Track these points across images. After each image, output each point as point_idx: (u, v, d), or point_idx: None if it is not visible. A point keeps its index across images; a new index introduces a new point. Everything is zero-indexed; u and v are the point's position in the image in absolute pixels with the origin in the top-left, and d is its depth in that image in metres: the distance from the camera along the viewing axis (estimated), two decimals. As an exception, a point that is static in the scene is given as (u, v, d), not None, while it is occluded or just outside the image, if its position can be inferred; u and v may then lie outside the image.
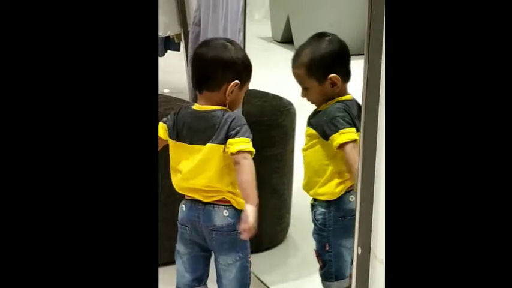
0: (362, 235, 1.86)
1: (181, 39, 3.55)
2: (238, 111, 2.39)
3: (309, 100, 2.24)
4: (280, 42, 5.90)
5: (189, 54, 2.99)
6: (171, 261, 2.25)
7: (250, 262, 2.18)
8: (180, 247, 2.18)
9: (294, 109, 2.81)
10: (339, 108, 2.15)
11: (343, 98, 2.19)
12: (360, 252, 1.86)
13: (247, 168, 2.02)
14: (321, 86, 2.18)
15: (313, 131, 2.21)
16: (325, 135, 2.17)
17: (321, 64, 2.17)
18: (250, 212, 1.98)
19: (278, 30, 5.92)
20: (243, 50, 2.17)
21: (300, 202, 2.44)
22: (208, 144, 2.05)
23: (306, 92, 2.22)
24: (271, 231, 2.82)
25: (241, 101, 2.17)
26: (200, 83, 2.11)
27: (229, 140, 2.03)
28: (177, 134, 2.11)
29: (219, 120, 2.05)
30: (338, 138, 2.12)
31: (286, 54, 5.93)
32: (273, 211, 2.79)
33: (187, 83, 3.19)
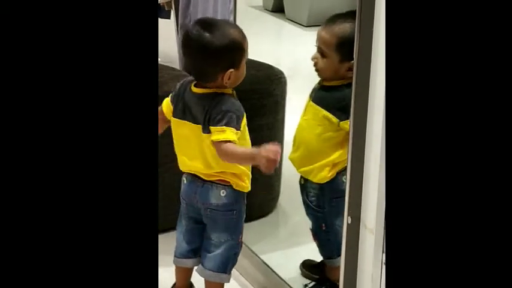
0: (352, 205, 1.86)
1: (171, 7, 3.53)
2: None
3: (317, 67, 2.16)
4: (271, 11, 5.87)
5: (179, 22, 2.97)
6: (163, 230, 2.25)
7: (240, 244, 2.17)
8: (181, 218, 2.19)
9: (285, 78, 2.79)
10: None
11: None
12: (350, 222, 1.87)
13: (228, 156, 2.00)
14: (340, 63, 2.11)
15: (324, 112, 2.15)
16: (341, 115, 2.11)
17: (352, 46, 2.01)
18: (256, 149, 1.97)
19: (269, -1, 5.89)
20: (227, 31, 2.02)
21: (291, 172, 2.43)
22: (201, 132, 2.03)
23: (319, 58, 2.14)
24: (261, 201, 2.82)
25: (243, 73, 2.07)
26: (194, 76, 2.07)
27: (210, 128, 2.00)
28: (177, 111, 2.09)
29: (207, 107, 2.01)
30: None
31: (277, 24, 5.96)
32: (263, 181, 2.78)
33: (178, 52, 3.17)
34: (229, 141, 1.98)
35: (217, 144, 1.99)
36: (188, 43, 2.04)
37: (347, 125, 2.07)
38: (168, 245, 2.20)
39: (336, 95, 2.14)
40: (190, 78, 2.11)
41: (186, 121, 2.07)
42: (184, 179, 2.15)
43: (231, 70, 2.00)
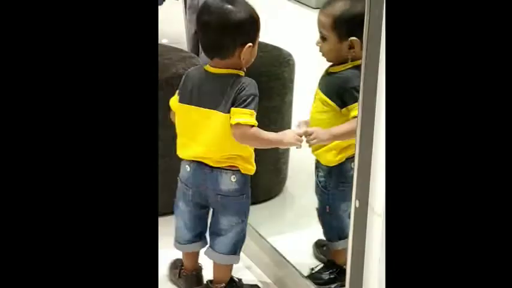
0: (360, 188, 1.85)
1: (179, -12, 3.51)
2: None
3: (321, 51, 2.16)
4: (281, -7, 5.83)
5: (187, 3, 2.95)
6: (166, 213, 2.26)
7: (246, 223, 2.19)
8: (180, 204, 2.18)
9: (293, 60, 2.78)
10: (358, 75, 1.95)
11: (358, 62, 2.02)
12: (357, 206, 1.86)
13: (256, 141, 2.03)
14: (339, 43, 2.11)
15: (325, 98, 2.16)
16: (341, 102, 2.12)
17: (348, 23, 2.07)
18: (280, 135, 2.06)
19: (279, -19, 5.85)
20: (246, 6, 2.05)
21: (298, 154, 2.43)
22: (219, 114, 2.01)
23: (321, 42, 2.15)
24: (268, 183, 2.81)
25: (256, 53, 2.09)
26: (211, 52, 2.04)
27: (232, 109, 1.99)
28: (186, 96, 2.07)
29: (229, 88, 2.00)
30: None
31: (285, 5, 5.92)
32: (271, 163, 2.78)
33: (186, 33, 3.16)
34: (254, 126, 2.00)
35: (244, 127, 1.98)
36: (208, 16, 2.02)
37: (349, 111, 2.09)
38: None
39: (337, 81, 2.14)
40: (195, 66, 2.12)
41: (198, 106, 2.05)
42: (187, 167, 2.13)
43: (250, 44, 2.00)
